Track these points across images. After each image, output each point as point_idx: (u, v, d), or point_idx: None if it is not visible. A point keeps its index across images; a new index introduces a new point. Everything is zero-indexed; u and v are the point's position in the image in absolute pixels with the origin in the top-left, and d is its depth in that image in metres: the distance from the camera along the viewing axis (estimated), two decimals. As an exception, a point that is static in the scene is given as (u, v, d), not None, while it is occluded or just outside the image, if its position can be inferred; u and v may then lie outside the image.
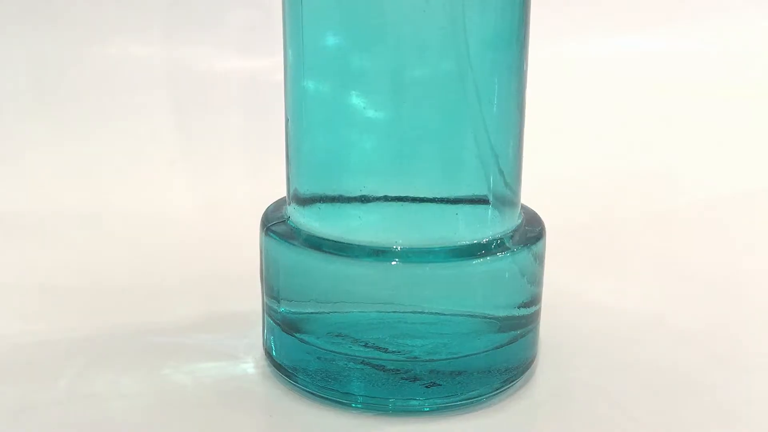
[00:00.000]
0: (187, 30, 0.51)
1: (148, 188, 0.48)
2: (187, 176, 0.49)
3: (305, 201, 0.32)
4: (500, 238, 0.31)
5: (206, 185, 0.48)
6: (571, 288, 0.39)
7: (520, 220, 0.32)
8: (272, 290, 0.32)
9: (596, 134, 0.56)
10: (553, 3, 0.57)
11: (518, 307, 0.32)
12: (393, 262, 0.29)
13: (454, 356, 0.30)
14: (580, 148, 0.55)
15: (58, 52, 0.50)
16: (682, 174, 0.54)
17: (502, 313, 0.31)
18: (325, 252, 0.30)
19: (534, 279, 0.32)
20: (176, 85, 0.51)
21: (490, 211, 0.31)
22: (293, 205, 0.32)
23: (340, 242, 0.30)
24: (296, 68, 0.31)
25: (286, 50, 0.32)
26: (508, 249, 0.31)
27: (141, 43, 0.51)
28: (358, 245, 0.30)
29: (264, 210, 0.34)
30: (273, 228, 0.32)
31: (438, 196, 0.31)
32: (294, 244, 0.31)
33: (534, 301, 0.33)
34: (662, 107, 0.58)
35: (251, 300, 0.35)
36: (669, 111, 0.58)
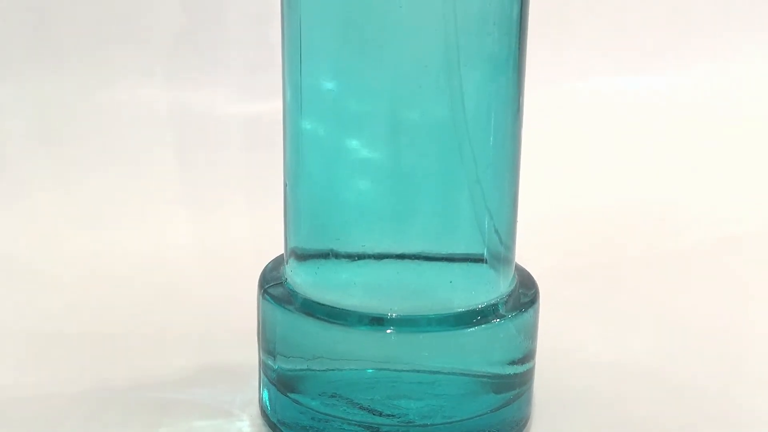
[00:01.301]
0: (190, 72, 0.52)
1: (149, 231, 0.48)
2: (188, 219, 0.49)
3: (302, 258, 0.32)
4: (495, 304, 0.31)
5: (207, 228, 0.49)
6: (565, 341, 0.39)
7: (514, 284, 0.33)
8: (268, 347, 0.32)
9: (592, 174, 0.56)
10: (549, 42, 0.57)
11: (512, 364, 0.32)
12: (388, 330, 0.30)
13: (450, 420, 0.31)
14: (575, 188, 0.55)
15: (60, 94, 0.50)
16: (681, 216, 0.54)
17: (496, 371, 0.31)
18: (320, 319, 0.30)
19: (529, 335, 0.33)
20: (179, 127, 0.51)
21: (485, 271, 0.32)
22: (291, 262, 0.32)
23: (336, 308, 0.30)
24: (293, 118, 0.31)
25: (284, 94, 0.32)
26: (503, 316, 0.31)
27: (143, 85, 0.51)
28: (353, 311, 0.30)
29: (264, 266, 0.34)
30: (270, 291, 0.32)
31: (433, 253, 0.31)
32: (290, 310, 0.31)
33: (528, 357, 0.33)
34: (659, 147, 0.58)
35: (248, 351, 0.35)
36: (666, 151, 0.58)
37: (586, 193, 0.54)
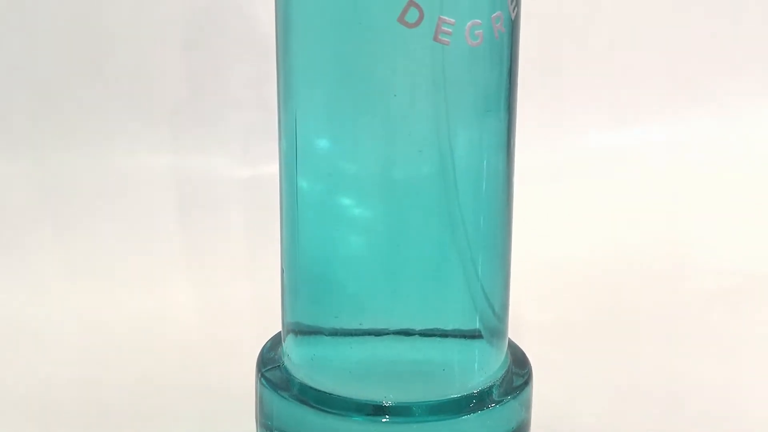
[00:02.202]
0: (192, 136, 0.52)
1: (149, 294, 0.48)
2: (189, 283, 0.49)
3: (299, 334, 0.32)
4: (490, 387, 0.32)
5: (208, 292, 0.49)
6: (558, 409, 0.39)
7: (507, 363, 0.33)
8: (266, 426, 0.33)
9: (588, 226, 0.56)
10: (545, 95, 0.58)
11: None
12: (384, 420, 0.30)
13: None
14: (570, 243, 0.55)
15: (62, 159, 0.51)
16: (683, 268, 0.54)
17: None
18: (316, 408, 0.30)
19: (524, 410, 0.33)
20: (180, 191, 0.52)
21: (480, 346, 0.32)
22: (288, 339, 0.33)
23: (332, 395, 0.31)
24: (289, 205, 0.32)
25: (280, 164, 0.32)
26: (498, 401, 0.31)
27: (145, 149, 0.52)
28: (349, 399, 0.30)
29: (263, 333, 0.35)
30: (267, 375, 0.33)
31: (428, 329, 0.31)
32: (286, 397, 0.31)
33: (523, 428, 0.33)
34: (654, 202, 0.59)
35: (247, 421, 0.36)
36: (662, 205, 0.58)
37: (582, 248, 0.54)
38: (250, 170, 0.53)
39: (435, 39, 0.27)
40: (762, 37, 0.65)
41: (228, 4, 0.52)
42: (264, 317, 0.39)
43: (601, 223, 0.56)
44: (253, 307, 0.46)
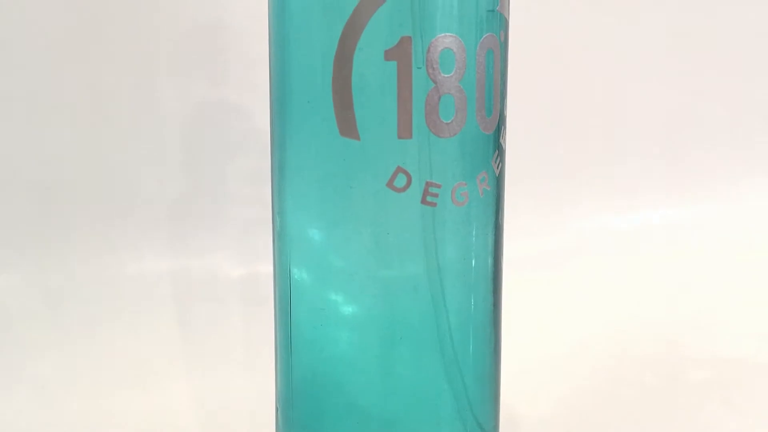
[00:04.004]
0: (191, 237, 0.54)
1: (149, 393, 0.49)
2: (188, 381, 0.50)
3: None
4: None
5: (207, 389, 0.50)
6: None
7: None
8: None
9: (584, 315, 0.57)
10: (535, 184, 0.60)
11: None
12: None
13: None
14: (567, 329, 0.56)
15: (63, 264, 0.52)
16: (680, 356, 0.55)
17: None
18: None
19: None
20: (179, 292, 0.53)
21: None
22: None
23: None
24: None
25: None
26: None
27: (144, 250, 0.53)
28: None
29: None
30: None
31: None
32: None
33: None
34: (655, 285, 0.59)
35: None
36: (661, 288, 0.59)
37: (577, 338, 0.55)
38: (247, 268, 0.55)
39: (422, 202, 0.29)
40: (755, 124, 0.67)
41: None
42: (261, 408, 0.39)
43: (597, 311, 0.57)
44: (252, 407, 0.47)
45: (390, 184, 0.29)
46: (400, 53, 0.28)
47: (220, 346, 0.51)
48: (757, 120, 0.66)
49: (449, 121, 0.29)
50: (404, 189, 0.29)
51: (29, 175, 0.52)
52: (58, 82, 0.52)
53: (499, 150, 0.31)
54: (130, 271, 0.53)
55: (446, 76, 0.28)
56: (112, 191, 0.53)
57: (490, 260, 0.32)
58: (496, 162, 0.31)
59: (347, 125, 0.28)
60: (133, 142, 0.53)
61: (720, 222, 0.64)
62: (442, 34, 0.28)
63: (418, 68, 0.28)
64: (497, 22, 0.30)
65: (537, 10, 0.61)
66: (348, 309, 0.32)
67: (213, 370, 0.51)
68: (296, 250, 0.32)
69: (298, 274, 0.32)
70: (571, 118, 0.63)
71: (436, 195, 0.29)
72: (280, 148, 0.30)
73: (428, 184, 0.29)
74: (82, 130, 0.53)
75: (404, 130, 0.28)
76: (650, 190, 0.64)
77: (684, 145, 0.64)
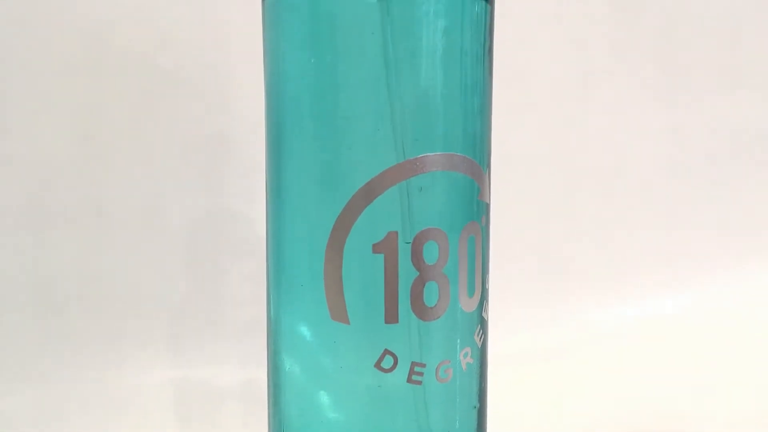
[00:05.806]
0: (190, 344, 0.55)
1: None
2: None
3: None
4: None
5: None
6: None
7: None
8: None
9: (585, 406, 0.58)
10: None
11: None
12: None
13: None
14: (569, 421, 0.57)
15: (65, 372, 0.54)
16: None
17: None
18: None
19: None
20: (180, 397, 0.54)
21: None
22: None
23: None
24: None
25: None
26: None
27: (145, 357, 0.55)
28: None
29: None
30: None
31: None
32: None
33: None
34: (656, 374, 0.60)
35: None
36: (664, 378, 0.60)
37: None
38: (247, 372, 0.56)
39: (408, 381, 0.31)
40: (754, 210, 0.68)
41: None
42: None
43: (600, 401, 0.58)
44: None
45: (378, 365, 0.31)
46: (386, 247, 0.30)
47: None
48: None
49: (433, 306, 0.31)
50: (391, 370, 0.31)
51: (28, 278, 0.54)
52: (58, 194, 0.54)
53: (481, 323, 0.33)
54: (129, 382, 0.54)
55: (430, 265, 0.30)
56: (110, 310, 0.55)
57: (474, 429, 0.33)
58: (478, 335, 0.32)
59: (338, 310, 0.30)
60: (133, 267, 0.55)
61: (722, 306, 0.65)
62: (427, 228, 0.30)
63: (407, 242, 0.30)
64: (478, 209, 0.32)
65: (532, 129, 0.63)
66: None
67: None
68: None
69: None
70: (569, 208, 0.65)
71: (421, 374, 0.31)
72: (275, 333, 0.32)
73: (413, 365, 0.31)
74: (82, 244, 0.55)
75: (391, 316, 0.30)
76: (654, 277, 0.65)
77: (688, 232, 0.65)
